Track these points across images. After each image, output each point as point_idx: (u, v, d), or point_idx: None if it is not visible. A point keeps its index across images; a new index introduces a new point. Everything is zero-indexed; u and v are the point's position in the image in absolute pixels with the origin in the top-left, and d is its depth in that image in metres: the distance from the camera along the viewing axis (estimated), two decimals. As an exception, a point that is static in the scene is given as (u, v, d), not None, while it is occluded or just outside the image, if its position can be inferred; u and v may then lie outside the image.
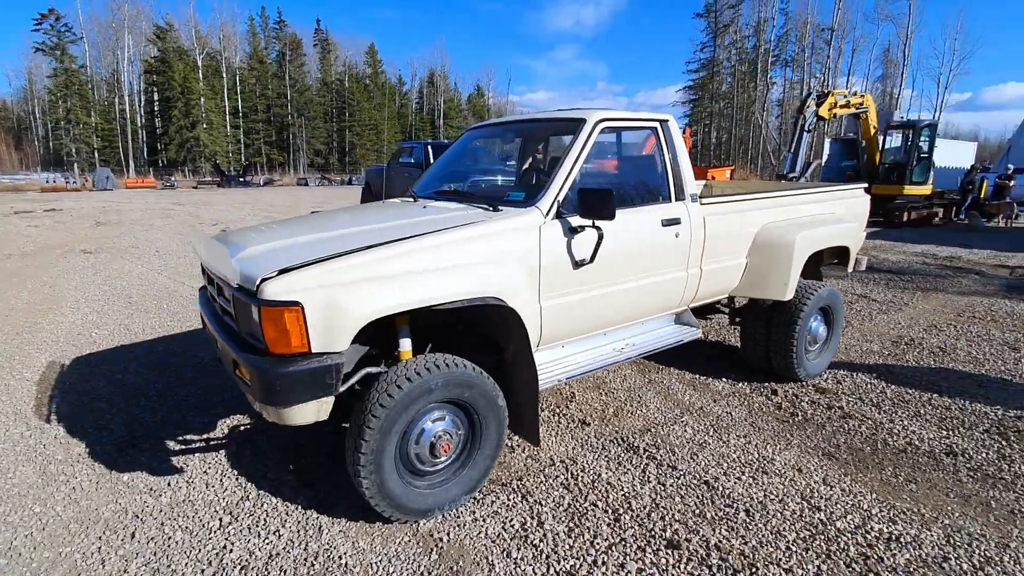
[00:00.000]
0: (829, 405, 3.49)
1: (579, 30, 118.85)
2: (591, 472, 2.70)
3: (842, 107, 12.97)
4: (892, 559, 2.11)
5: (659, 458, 2.84)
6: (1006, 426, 3.21)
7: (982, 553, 2.15)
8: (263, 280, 1.89)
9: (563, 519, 2.35)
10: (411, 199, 3.20)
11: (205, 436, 3.06)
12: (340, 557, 2.11)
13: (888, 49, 45.96)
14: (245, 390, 2.09)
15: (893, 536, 2.24)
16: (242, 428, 3.15)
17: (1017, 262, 8.91)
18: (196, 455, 2.85)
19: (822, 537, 2.24)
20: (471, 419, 2.39)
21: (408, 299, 2.06)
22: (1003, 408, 3.44)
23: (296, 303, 1.87)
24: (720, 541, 2.21)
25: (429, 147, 11.72)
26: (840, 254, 4.04)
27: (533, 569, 2.06)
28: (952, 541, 2.22)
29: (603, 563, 2.09)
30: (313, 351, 1.92)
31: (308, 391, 1.93)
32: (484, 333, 2.65)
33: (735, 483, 2.62)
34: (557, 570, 2.05)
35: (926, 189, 14.29)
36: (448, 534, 2.25)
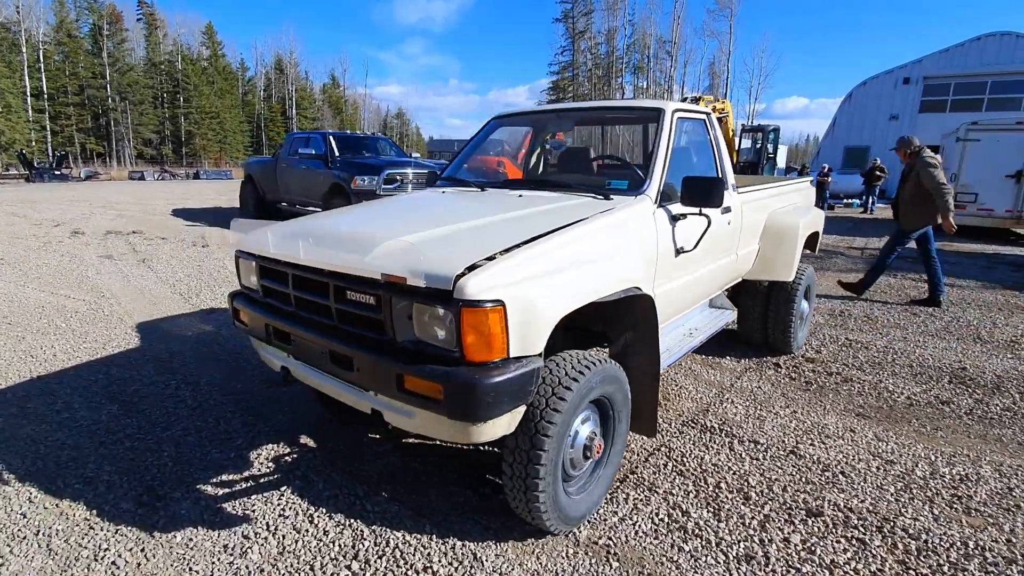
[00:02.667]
0: (827, 372, 3.92)
1: (428, 25, 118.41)
2: (692, 456, 2.74)
3: (710, 111, 14.55)
4: (977, 495, 2.45)
5: (736, 434, 2.97)
6: (958, 376, 3.88)
7: (1029, 480, 2.58)
8: (459, 277, 1.62)
9: (702, 505, 2.35)
10: (477, 188, 2.93)
11: (247, 473, 2.54)
12: (518, 583, 1.90)
13: (713, 63, 52.30)
14: (410, 407, 1.77)
15: (963, 476, 2.60)
16: (287, 458, 2.67)
17: (860, 244, 10.76)
18: (253, 496, 2.36)
19: (915, 486, 2.52)
20: (604, 415, 2.28)
21: (586, 291, 1.91)
22: (943, 360, 4.15)
23: (500, 302, 1.63)
24: (845, 502, 2.38)
25: (331, 138, 10.82)
26: (812, 238, 4.54)
27: (713, 558, 2.04)
28: (1004, 474, 2.63)
29: (769, 540, 2.14)
30: (511, 355, 1.70)
31: (512, 401, 1.70)
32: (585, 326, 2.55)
33: (813, 449, 2.84)
34: (735, 555, 2.06)
35: (773, 185, 16.62)
36: (610, 539, 2.14)
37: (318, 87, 71.14)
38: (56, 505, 2.28)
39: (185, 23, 57.37)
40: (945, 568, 2.01)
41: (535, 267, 1.79)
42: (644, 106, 2.92)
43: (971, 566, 2.02)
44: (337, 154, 10.57)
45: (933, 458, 2.76)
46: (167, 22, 55.09)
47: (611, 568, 1.98)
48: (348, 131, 26.80)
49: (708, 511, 2.31)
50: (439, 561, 1.99)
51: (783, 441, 2.91)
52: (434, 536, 2.11)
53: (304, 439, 2.85)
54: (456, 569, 1.96)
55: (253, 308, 2.32)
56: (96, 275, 6.56)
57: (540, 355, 1.77)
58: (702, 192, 2.43)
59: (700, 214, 2.55)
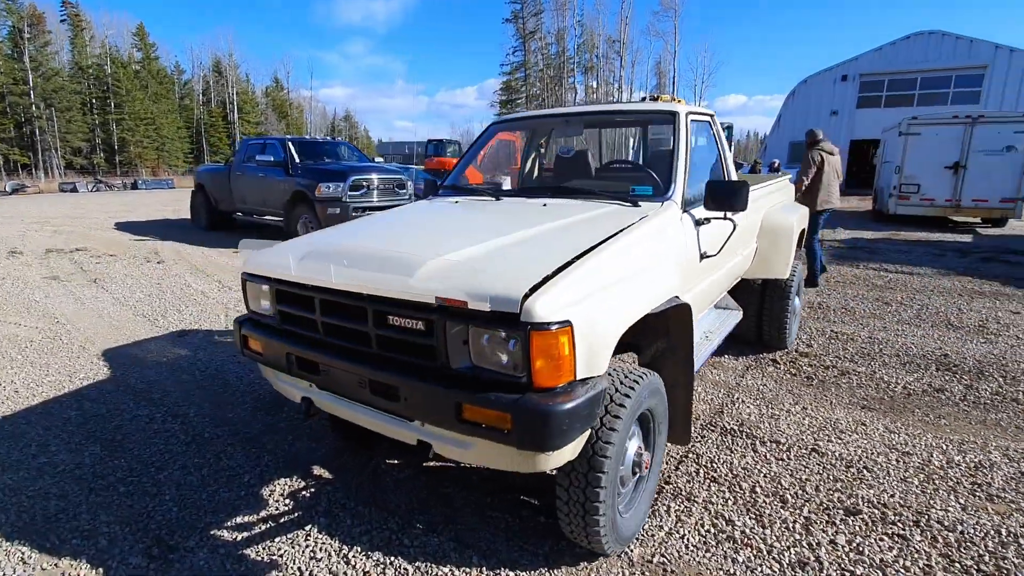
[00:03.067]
0: (823, 366, 4.02)
1: (371, 24, 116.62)
2: (721, 461, 2.73)
3: (669, 110, 14.87)
4: (994, 481, 2.54)
5: (756, 435, 2.99)
6: (943, 363, 4.05)
7: (1035, 463, 2.70)
8: (524, 298, 1.52)
9: (743, 512, 2.34)
10: (490, 197, 2.82)
11: (264, 513, 2.35)
12: (583, 612, 1.82)
13: (660, 63, 53.57)
14: (467, 438, 1.67)
15: (976, 464, 2.70)
16: (305, 493, 2.50)
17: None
18: (276, 539, 2.19)
19: (937, 477, 2.59)
20: (645, 429, 2.24)
21: (642, 303, 1.86)
22: (925, 347, 4.33)
23: (568, 323, 1.55)
24: (877, 498, 2.42)
25: (290, 144, 10.40)
26: (800, 235, 4.65)
27: (768, 567, 2.02)
28: (1012, 458, 2.74)
29: (817, 543, 2.14)
30: (578, 378, 1.62)
31: (582, 426, 1.62)
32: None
33: (832, 445, 2.88)
34: (789, 561, 2.05)
35: (729, 180, 17.16)
36: (663, 555, 2.09)
37: (260, 90, 68.68)
38: (55, 565, 2.05)
39: (113, 24, 54.09)
40: (986, 558, 2.06)
41: (596, 282, 1.72)
42: (657, 109, 2.90)
43: (1009, 553, 2.08)
44: (297, 161, 10.17)
45: (945, 447, 2.86)
46: (93, 23, 52.00)
47: (672, 587, 1.94)
48: (307, 136, 25.80)
49: (750, 517, 2.30)
50: (496, 595, 1.89)
51: (802, 439, 2.94)
52: (484, 569, 2.01)
53: (318, 470, 2.68)
54: (516, 603, 1.87)
55: (269, 336, 2.15)
56: (45, 299, 6.05)
57: (603, 376, 1.70)
58: (727, 196, 2.41)
59: (725, 218, 2.54)
